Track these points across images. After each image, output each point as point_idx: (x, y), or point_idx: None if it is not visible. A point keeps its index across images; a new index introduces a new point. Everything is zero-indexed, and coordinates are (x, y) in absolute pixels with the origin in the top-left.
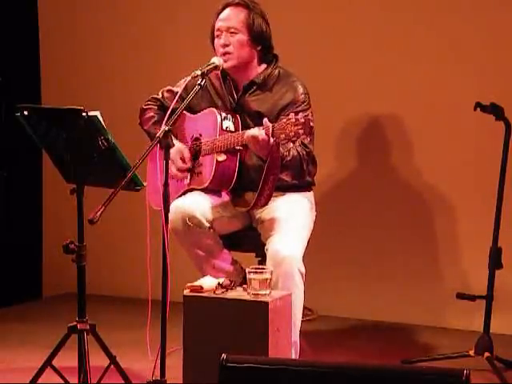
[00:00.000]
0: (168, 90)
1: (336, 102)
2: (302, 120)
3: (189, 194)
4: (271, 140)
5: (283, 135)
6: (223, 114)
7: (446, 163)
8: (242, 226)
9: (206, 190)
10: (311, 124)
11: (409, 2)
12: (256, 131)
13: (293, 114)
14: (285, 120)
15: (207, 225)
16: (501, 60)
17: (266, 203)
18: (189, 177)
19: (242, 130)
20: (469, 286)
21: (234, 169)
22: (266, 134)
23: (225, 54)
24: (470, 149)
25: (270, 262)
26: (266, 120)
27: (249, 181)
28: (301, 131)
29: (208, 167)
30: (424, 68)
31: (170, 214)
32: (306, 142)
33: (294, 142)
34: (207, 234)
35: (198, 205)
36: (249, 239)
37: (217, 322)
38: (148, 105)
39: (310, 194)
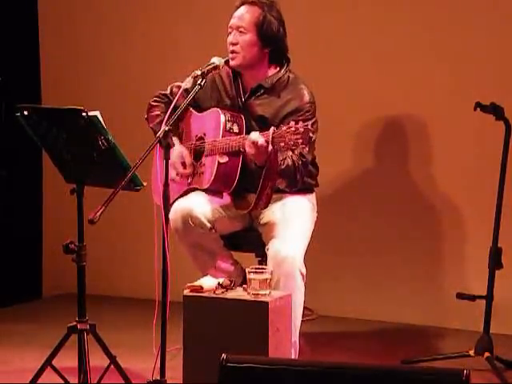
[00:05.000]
0: (177, 86)
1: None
2: (302, 129)
3: (190, 195)
4: (270, 147)
5: (282, 143)
6: (228, 115)
7: (445, 163)
8: (243, 226)
9: (207, 191)
10: (310, 134)
11: (412, 5)
12: (256, 137)
13: (293, 123)
14: (284, 128)
15: (209, 225)
16: (501, 60)
17: (266, 206)
18: (191, 176)
19: (246, 132)
20: (469, 286)
21: (235, 171)
22: (265, 140)
23: (232, 52)
24: (469, 149)
25: (271, 263)
26: (273, 128)
27: (251, 182)
28: (300, 141)
29: (210, 168)
30: (423, 68)
31: (171, 215)
32: (304, 151)
33: (293, 151)
34: (209, 234)
35: (199, 205)
36: (249, 239)
37: (217, 322)
38: (156, 101)
39: (311, 196)
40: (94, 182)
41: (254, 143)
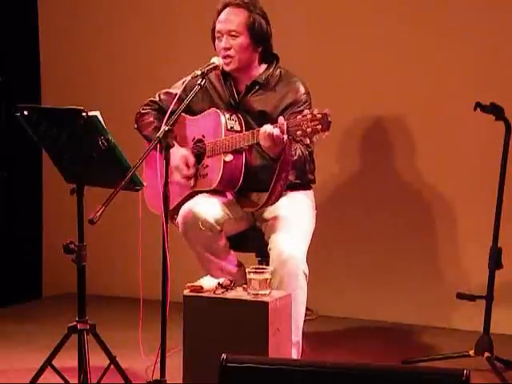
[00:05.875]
0: (165, 93)
1: (336, 104)
2: (319, 115)
3: (197, 198)
4: (285, 137)
5: (299, 132)
6: (227, 115)
7: (445, 163)
8: (248, 226)
9: (211, 192)
10: (329, 119)
11: (409, 2)
12: (270, 128)
13: (307, 111)
14: (300, 116)
15: (219, 228)
16: (500, 60)
17: (277, 200)
18: (193, 179)
19: (245, 129)
20: (469, 285)
21: (240, 169)
22: (280, 131)
23: (226, 57)
24: (469, 149)
25: (274, 263)
26: (281, 118)
27: (254, 181)
28: (319, 127)
29: (215, 168)
30: (424, 68)
31: (181, 218)
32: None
33: (310, 139)
34: (218, 237)
35: (210, 208)
36: (251, 239)
37: (217, 322)
38: (146, 109)
39: (310, 193)
40: (93, 182)
41: (270, 135)
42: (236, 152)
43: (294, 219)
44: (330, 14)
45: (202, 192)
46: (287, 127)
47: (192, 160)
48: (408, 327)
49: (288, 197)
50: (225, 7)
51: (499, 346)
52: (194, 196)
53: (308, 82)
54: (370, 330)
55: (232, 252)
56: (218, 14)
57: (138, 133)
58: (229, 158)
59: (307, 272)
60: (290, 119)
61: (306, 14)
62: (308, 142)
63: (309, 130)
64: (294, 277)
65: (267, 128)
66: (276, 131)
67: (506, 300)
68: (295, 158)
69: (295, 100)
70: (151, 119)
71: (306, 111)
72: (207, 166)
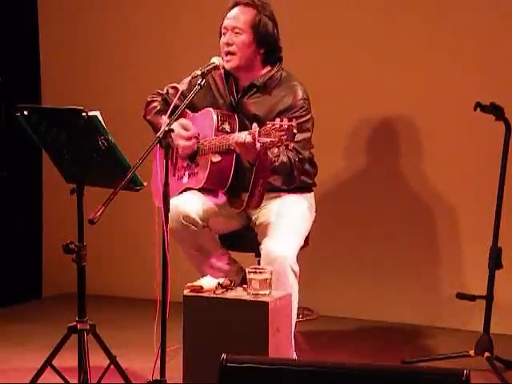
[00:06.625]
0: (173, 87)
1: (339, 104)
2: (285, 126)
3: (183, 194)
4: (257, 144)
5: (268, 140)
6: (220, 115)
7: (445, 163)
8: (240, 226)
9: (202, 190)
10: (294, 131)
11: (409, 2)
12: (243, 135)
13: (278, 120)
14: (270, 125)
15: (202, 223)
16: (501, 60)
17: (259, 204)
18: (187, 176)
19: (239, 131)
20: (469, 286)
21: (229, 169)
22: (252, 138)
23: (227, 53)
24: (469, 149)
25: (264, 262)
26: (254, 125)
27: (245, 181)
28: (284, 137)
29: (203, 168)
30: (424, 68)
31: None
32: (291, 146)
33: (278, 148)
34: (202, 232)
35: (192, 203)
36: (247, 239)
37: (217, 322)
38: (153, 97)
39: (309, 195)
40: (93, 182)
41: (242, 142)
42: (225, 153)
43: (284, 220)
44: (335, 16)
45: (192, 189)
46: (259, 135)
47: (188, 122)
48: (408, 327)
49: (282, 199)
50: (235, 5)
51: (499, 346)
52: (185, 192)
53: (311, 84)
54: (370, 330)
55: (222, 249)
56: (228, 11)
57: (144, 119)
58: (216, 158)
59: (297, 270)
60: (264, 126)
61: (310, 16)
62: (295, 147)
63: (276, 139)
64: (283, 274)
65: (241, 135)
66: (248, 138)
67: (506, 300)
68: (277, 163)
69: (292, 105)
70: (155, 104)
71: (277, 120)
72: (198, 164)
